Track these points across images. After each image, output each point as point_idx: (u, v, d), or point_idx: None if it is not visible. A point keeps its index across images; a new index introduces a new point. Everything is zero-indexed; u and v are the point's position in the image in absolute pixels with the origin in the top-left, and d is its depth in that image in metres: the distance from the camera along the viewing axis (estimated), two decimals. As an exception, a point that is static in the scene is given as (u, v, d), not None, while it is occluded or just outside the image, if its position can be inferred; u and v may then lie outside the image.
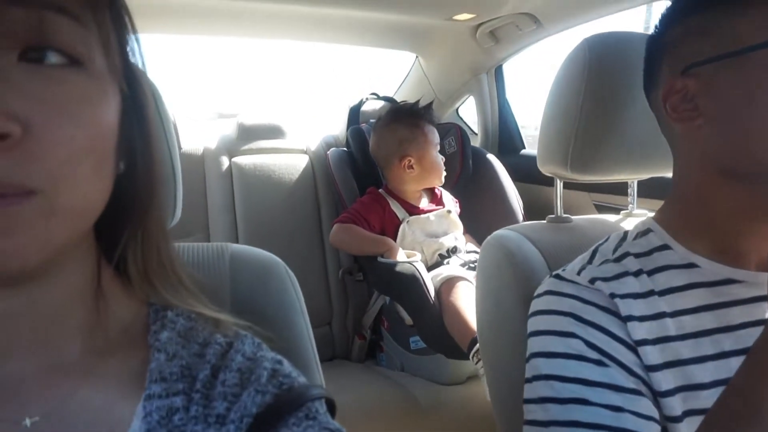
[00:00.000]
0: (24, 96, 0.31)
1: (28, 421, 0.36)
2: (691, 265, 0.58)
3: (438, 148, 1.58)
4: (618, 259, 0.60)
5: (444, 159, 1.59)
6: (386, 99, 1.96)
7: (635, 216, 0.88)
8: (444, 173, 1.57)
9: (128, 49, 0.40)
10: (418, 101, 1.64)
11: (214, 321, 0.45)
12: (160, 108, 0.58)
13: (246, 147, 1.74)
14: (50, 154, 0.32)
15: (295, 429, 0.38)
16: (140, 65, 0.42)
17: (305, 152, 1.80)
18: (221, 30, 1.74)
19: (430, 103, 1.65)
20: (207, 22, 1.62)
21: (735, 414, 0.46)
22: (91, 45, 0.35)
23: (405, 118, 1.56)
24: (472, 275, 1.35)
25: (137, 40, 0.41)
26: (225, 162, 1.69)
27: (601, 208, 1.48)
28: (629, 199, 0.92)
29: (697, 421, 0.53)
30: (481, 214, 1.66)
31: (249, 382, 0.40)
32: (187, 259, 0.61)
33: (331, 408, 0.43)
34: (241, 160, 1.71)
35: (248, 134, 1.76)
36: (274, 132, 1.80)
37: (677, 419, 0.53)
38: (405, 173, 1.54)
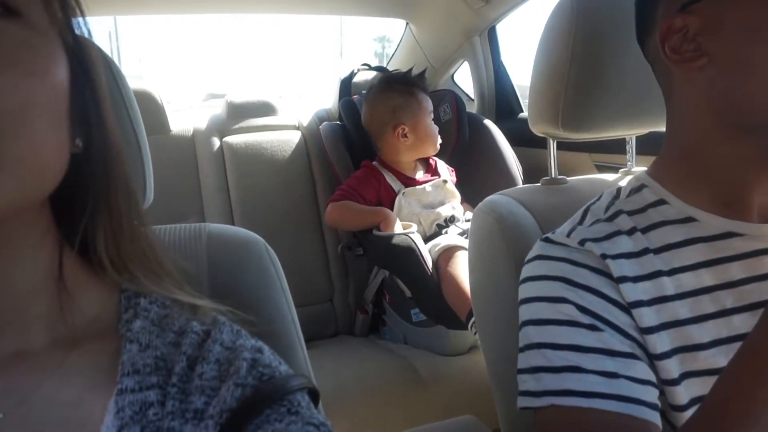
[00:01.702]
0: None
1: None
2: (688, 219, 0.55)
3: (432, 116, 1.54)
4: (610, 218, 0.58)
5: (438, 128, 1.55)
6: (378, 69, 1.91)
7: (634, 174, 0.85)
8: (439, 141, 1.54)
9: (71, 16, 0.38)
10: (410, 69, 1.60)
11: (191, 307, 0.43)
12: (119, 82, 0.56)
13: (237, 126, 1.71)
14: None
15: (277, 425, 0.36)
16: (84, 41, 0.40)
17: (297, 128, 1.77)
18: (205, 7, 1.69)
19: (423, 71, 1.60)
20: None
21: (729, 403, 0.43)
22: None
23: (397, 86, 1.53)
24: (469, 243, 1.33)
25: (82, 12, 0.39)
26: (216, 142, 1.67)
27: (602, 169, 1.44)
28: (627, 156, 0.88)
29: (695, 383, 0.51)
30: (480, 181, 1.63)
31: (228, 374, 0.38)
32: (163, 242, 0.59)
33: (314, 397, 0.41)
34: (233, 139, 1.68)
35: (238, 112, 1.73)
36: (265, 109, 1.76)
37: (674, 382, 0.51)
38: (399, 142, 1.51)
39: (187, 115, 1.83)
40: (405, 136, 1.50)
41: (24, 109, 0.32)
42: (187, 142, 1.67)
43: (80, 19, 0.39)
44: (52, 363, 0.37)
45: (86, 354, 0.38)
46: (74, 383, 0.37)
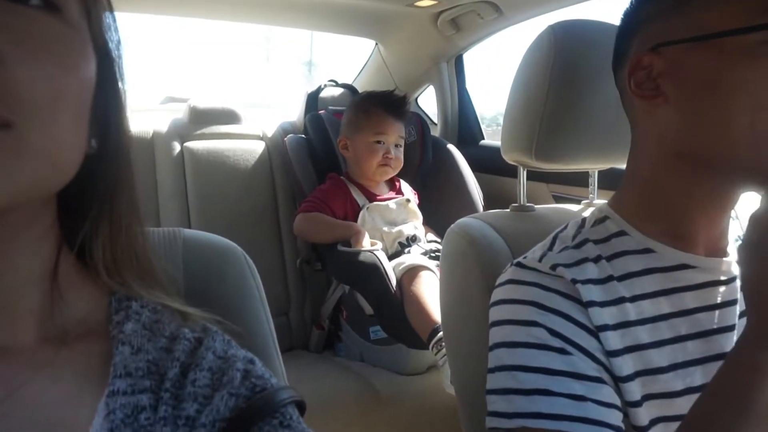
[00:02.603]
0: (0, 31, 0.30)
1: None
2: (647, 251, 0.59)
3: (379, 138, 1.51)
4: (578, 246, 0.60)
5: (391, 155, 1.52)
6: (345, 86, 1.92)
7: (596, 206, 0.89)
8: (394, 167, 1.53)
9: (103, 18, 0.39)
10: (392, 91, 1.62)
11: (181, 314, 0.42)
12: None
13: (199, 132, 1.67)
14: (27, 89, 0.31)
15: None
16: (116, 42, 0.41)
17: (261, 138, 1.75)
18: (180, 10, 1.67)
19: (401, 97, 1.59)
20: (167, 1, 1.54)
21: (717, 416, 0.47)
22: None
23: (361, 102, 1.57)
24: (434, 264, 1.34)
25: (113, 17, 0.40)
26: (176, 147, 1.62)
27: (559, 200, 1.50)
28: (590, 189, 0.92)
29: (655, 405, 0.54)
30: (442, 204, 1.66)
31: (221, 383, 0.38)
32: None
33: (301, 409, 0.42)
34: (194, 144, 1.64)
35: (201, 118, 1.69)
36: (229, 117, 1.73)
37: (636, 404, 0.54)
38: (345, 154, 1.57)
39: (145, 116, 1.77)
40: (346, 148, 1.55)
41: (54, 101, 0.32)
42: (146, 145, 1.62)
43: (111, 21, 0.40)
44: (40, 361, 0.36)
45: (76, 354, 0.38)
46: (62, 383, 0.36)
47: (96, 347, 0.39)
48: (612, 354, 0.54)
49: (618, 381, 0.54)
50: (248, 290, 0.58)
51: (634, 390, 0.54)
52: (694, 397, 0.50)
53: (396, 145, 1.54)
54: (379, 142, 1.51)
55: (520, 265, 0.61)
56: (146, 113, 1.88)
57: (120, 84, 0.41)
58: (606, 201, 0.63)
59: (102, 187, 0.40)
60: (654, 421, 0.54)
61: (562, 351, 0.53)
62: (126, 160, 0.42)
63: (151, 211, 1.58)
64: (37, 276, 0.38)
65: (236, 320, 0.53)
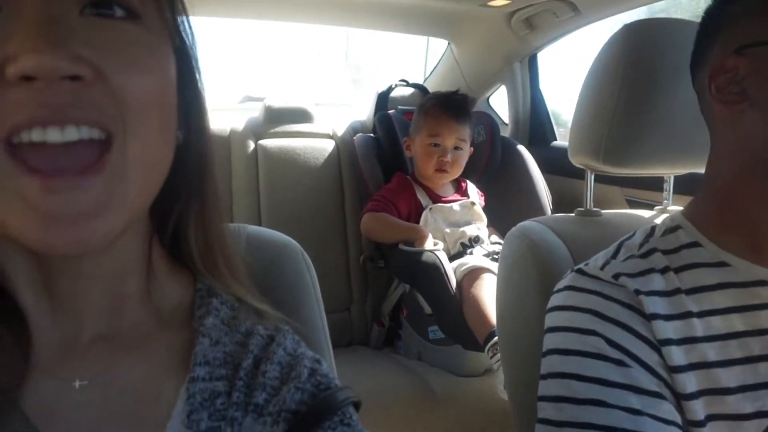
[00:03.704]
0: (90, 43, 0.32)
1: (78, 383, 0.37)
2: (721, 264, 0.55)
3: (435, 140, 1.49)
4: (644, 255, 0.58)
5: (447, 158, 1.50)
6: (416, 86, 1.93)
7: (670, 213, 0.84)
8: (447, 170, 1.49)
9: (178, 19, 0.42)
10: (457, 90, 1.60)
11: (256, 311, 0.45)
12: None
13: (272, 130, 1.74)
14: (122, 98, 0.33)
15: None
16: (190, 40, 0.43)
17: (331, 137, 1.79)
18: (255, 13, 1.74)
19: (461, 97, 1.57)
20: (241, 4, 1.61)
21: None
22: (146, 2, 0.37)
23: (422, 102, 1.58)
24: (496, 266, 1.32)
25: (188, 19, 0.43)
26: (251, 144, 1.69)
27: (633, 204, 1.43)
28: (664, 195, 0.88)
29: (720, 426, 0.51)
30: (509, 205, 1.63)
31: (289, 377, 0.40)
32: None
33: (356, 407, 0.43)
34: (267, 142, 1.71)
35: (275, 117, 1.76)
36: (301, 116, 1.79)
37: (700, 423, 0.51)
38: (408, 155, 1.60)
39: (224, 115, 1.86)
40: (409, 149, 1.58)
41: (146, 107, 0.35)
42: (223, 142, 1.70)
43: (185, 21, 0.42)
44: (135, 342, 0.40)
45: (164, 340, 0.41)
46: (151, 363, 0.40)
47: (181, 335, 0.42)
48: (675, 370, 0.51)
49: (681, 398, 0.51)
50: (304, 286, 0.60)
51: (698, 409, 0.51)
52: (766, 421, 0.47)
53: (456, 148, 1.51)
54: (435, 144, 1.49)
55: (580, 271, 0.59)
56: (225, 112, 1.97)
57: (198, 78, 0.43)
58: (680, 207, 0.60)
59: (189, 178, 0.43)
60: None
61: (620, 363, 0.51)
62: (209, 151, 0.44)
63: (225, 206, 1.66)
64: (136, 264, 0.41)
65: (291, 313, 0.55)
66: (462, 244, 1.46)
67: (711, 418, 0.51)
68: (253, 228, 0.63)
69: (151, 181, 0.37)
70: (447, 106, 1.50)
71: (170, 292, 0.44)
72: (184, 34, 0.42)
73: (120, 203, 0.34)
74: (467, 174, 1.60)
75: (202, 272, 0.45)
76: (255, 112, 1.82)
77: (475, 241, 1.47)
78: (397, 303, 1.56)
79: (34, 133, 0.31)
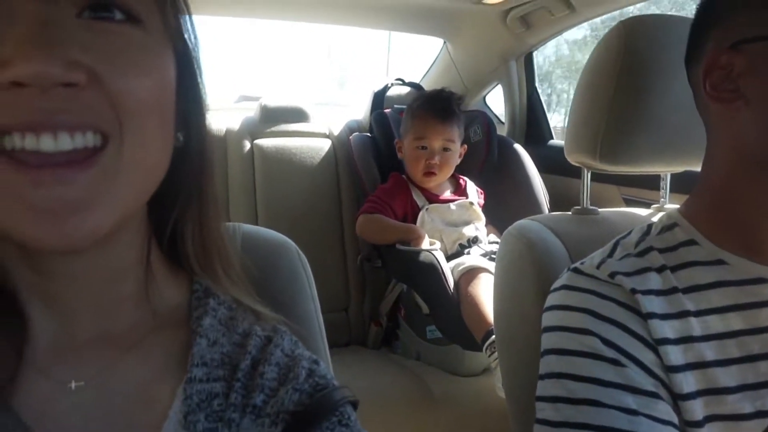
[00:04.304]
0: (86, 47, 0.32)
1: (73, 384, 0.37)
2: (719, 262, 0.55)
3: (421, 143, 1.49)
4: (641, 254, 0.57)
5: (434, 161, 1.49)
6: (412, 85, 1.92)
7: (667, 211, 0.84)
8: (435, 172, 1.49)
9: (181, 21, 0.41)
10: (443, 89, 1.59)
11: (253, 312, 0.45)
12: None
13: (269, 129, 1.73)
14: (118, 101, 0.33)
15: None
16: (192, 43, 0.43)
17: (328, 136, 1.79)
18: (251, 11, 1.73)
19: (447, 96, 1.55)
20: (238, 2, 1.61)
21: None
22: (147, 4, 0.36)
23: (409, 103, 1.58)
24: (493, 266, 1.32)
25: (191, 19, 0.42)
26: (247, 144, 1.69)
27: (630, 203, 1.43)
28: (661, 193, 0.88)
29: (719, 427, 0.51)
30: (506, 204, 1.62)
31: (287, 379, 0.40)
32: None
33: (353, 407, 0.43)
34: (264, 142, 1.70)
35: (271, 116, 1.75)
36: (298, 115, 1.78)
37: (698, 424, 0.50)
38: (400, 157, 1.59)
39: (219, 115, 1.85)
40: (401, 151, 1.58)
41: (143, 109, 0.34)
42: (218, 141, 1.69)
43: (189, 25, 0.42)
44: (132, 343, 0.40)
45: (160, 341, 0.41)
46: (148, 365, 0.40)
47: (178, 335, 0.42)
48: (672, 369, 0.51)
49: (678, 399, 0.51)
50: (300, 285, 0.59)
51: (696, 409, 0.50)
52: (766, 421, 0.47)
53: (445, 149, 1.50)
54: (422, 147, 1.49)
55: (576, 270, 0.59)
56: (221, 112, 1.96)
57: (199, 80, 0.43)
58: (678, 205, 0.59)
59: (188, 180, 0.43)
60: None
61: (615, 362, 0.51)
62: (209, 153, 0.44)
63: (222, 206, 1.65)
64: (133, 265, 0.41)
65: (287, 313, 0.55)
66: (460, 244, 1.46)
67: (709, 418, 0.51)
68: (249, 227, 0.63)
69: (146, 182, 0.37)
70: (432, 108, 1.50)
71: (167, 293, 0.44)
72: (187, 37, 0.41)
73: (110, 200, 0.34)
74: (465, 172, 1.60)
75: (199, 273, 0.45)
76: (251, 111, 1.81)
77: (473, 241, 1.46)
78: (395, 303, 1.55)
79: (27, 141, 0.31)
